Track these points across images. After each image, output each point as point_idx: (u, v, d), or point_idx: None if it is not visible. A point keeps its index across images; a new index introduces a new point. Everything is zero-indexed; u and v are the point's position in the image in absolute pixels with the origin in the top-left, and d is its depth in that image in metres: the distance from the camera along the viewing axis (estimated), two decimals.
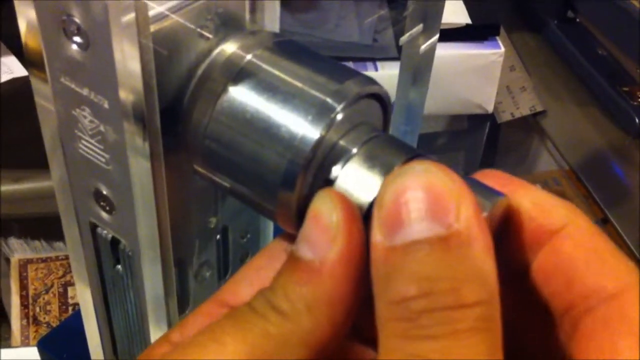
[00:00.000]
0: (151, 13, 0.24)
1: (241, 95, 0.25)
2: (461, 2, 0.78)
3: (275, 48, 0.26)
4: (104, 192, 0.28)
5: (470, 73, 0.77)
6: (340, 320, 0.21)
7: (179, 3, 0.25)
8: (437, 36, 0.43)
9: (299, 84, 0.25)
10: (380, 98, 0.26)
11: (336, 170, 0.24)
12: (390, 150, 0.24)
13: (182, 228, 0.30)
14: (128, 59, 0.23)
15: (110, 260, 0.31)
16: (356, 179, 0.24)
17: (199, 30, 0.25)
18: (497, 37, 0.78)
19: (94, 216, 0.30)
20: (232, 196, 0.27)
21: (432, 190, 0.20)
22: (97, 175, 0.28)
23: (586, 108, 0.86)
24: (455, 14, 0.76)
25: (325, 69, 0.25)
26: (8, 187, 0.81)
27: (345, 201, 0.22)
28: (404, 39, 0.41)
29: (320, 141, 0.24)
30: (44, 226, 0.78)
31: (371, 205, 0.23)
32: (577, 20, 0.92)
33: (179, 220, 0.29)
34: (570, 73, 0.89)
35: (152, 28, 0.24)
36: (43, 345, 0.52)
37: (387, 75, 0.70)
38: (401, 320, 0.19)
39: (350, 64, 0.69)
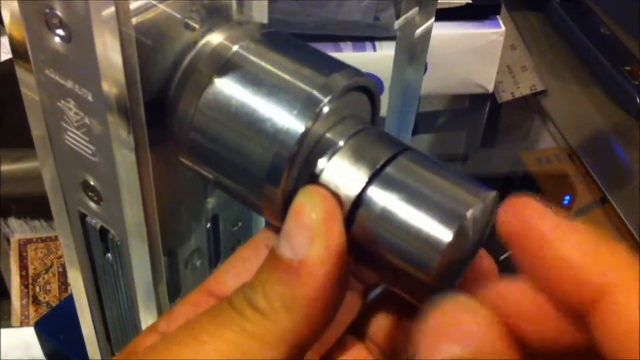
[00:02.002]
0: (136, 4, 0.24)
1: (227, 87, 0.25)
2: None
3: (262, 40, 0.26)
4: (92, 183, 0.28)
5: (471, 52, 0.76)
6: (319, 319, 0.21)
7: None
8: (432, 19, 0.43)
9: (285, 77, 0.24)
10: (368, 90, 0.26)
11: (322, 163, 0.24)
12: (378, 143, 0.24)
13: (171, 217, 0.30)
14: (110, 52, 0.23)
15: (100, 249, 0.31)
16: (342, 173, 0.23)
17: (184, 20, 0.25)
18: (498, 16, 0.77)
19: (83, 206, 0.30)
20: (218, 189, 0.27)
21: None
22: (84, 166, 0.28)
23: (587, 88, 0.86)
24: None
25: (312, 61, 0.25)
26: (8, 167, 0.81)
27: (327, 199, 0.22)
28: (399, 22, 0.41)
29: (305, 134, 0.23)
30: (43, 206, 0.78)
31: (357, 198, 0.23)
32: None
33: (167, 210, 0.29)
34: (572, 52, 0.88)
35: (137, 19, 0.24)
36: (40, 327, 0.52)
37: (385, 55, 0.69)
38: None
39: (349, 44, 0.69)
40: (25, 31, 0.25)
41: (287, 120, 0.23)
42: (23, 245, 0.78)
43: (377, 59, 0.69)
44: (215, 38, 0.26)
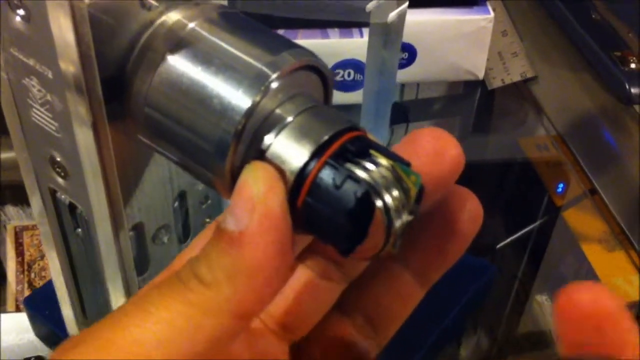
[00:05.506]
0: None
1: (179, 65, 0.25)
2: None
3: (217, 19, 0.27)
4: (58, 159, 0.29)
5: (460, 39, 0.77)
6: (261, 289, 0.22)
7: None
8: (406, 4, 0.43)
9: (236, 55, 0.25)
10: (321, 73, 0.27)
11: (269, 139, 0.24)
12: (325, 120, 0.25)
13: (135, 192, 0.31)
14: (65, 32, 0.24)
15: (71, 224, 0.32)
16: (288, 147, 0.24)
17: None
18: (487, 2, 0.77)
19: (52, 182, 0.31)
20: (175, 165, 0.28)
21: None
22: (50, 142, 0.29)
23: (578, 73, 0.86)
24: None
25: (264, 41, 0.26)
26: (6, 154, 0.82)
27: (269, 173, 0.23)
28: (370, 5, 0.42)
29: (252, 109, 0.24)
30: None
31: (301, 173, 0.24)
32: None
33: (131, 185, 0.30)
34: (563, 37, 0.89)
35: None
36: (27, 304, 0.54)
37: None
38: None
39: (335, 30, 0.69)
40: None
41: (235, 96, 0.24)
42: (19, 231, 0.80)
43: (364, 45, 0.70)
44: (172, 17, 0.27)
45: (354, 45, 0.69)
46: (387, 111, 0.49)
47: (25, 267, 0.76)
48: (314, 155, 0.24)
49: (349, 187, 0.23)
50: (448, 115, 0.93)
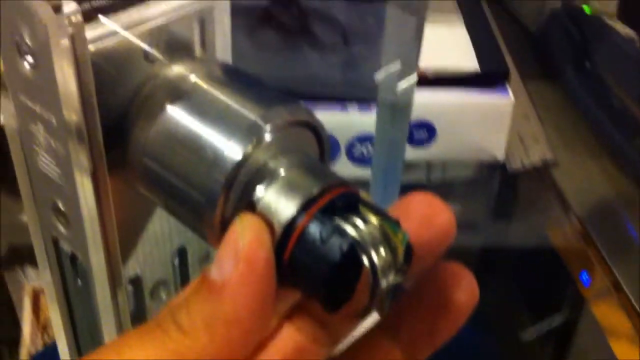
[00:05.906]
0: (96, 33, 0.26)
1: (177, 115, 0.26)
2: (470, 46, 0.78)
3: (219, 74, 0.28)
4: (60, 207, 0.30)
5: (479, 120, 0.77)
6: (238, 340, 0.22)
7: (126, 24, 0.27)
8: (415, 75, 0.44)
9: (231, 107, 0.26)
10: (314, 129, 0.27)
11: (260, 191, 0.25)
12: (316, 174, 0.25)
13: (134, 245, 0.31)
14: (69, 79, 0.25)
15: (71, 275, 0.33)
16: (278, 200, 0.25)
17: (144, 51, 0.27)
18: (508, 85, 0.78)
19: (55, 230, 0.31)
20: (173, 216, 0.28)
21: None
22: (54, 189, 0.29)
23: (599, 160, 0.86)
24: (463, 59, 0.76)
25: (262, 95, 0.27)
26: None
27: (257, 225, 0.23)
28: (379, 76, 0.42)
29: (244, 160, 0.25)
30: None
31: (289, 226, 0.24)
32: (594, 70, 0.91)
33: (131, 237, 0.31)
34: (584, 123, 0.89)
35: (95, 46, 0.26)
36: None
37: None
38: None
39: (354, 104, 0.70)
40: (2, 57, 0.27)
41: (227, 147, 0.25)
42: (37, 293, 0.80)
43: None
44: (174, 70, 0.28)
45: (373, 119, 0.70)
46: (395, 187, 0.49)
47: (41, 328, 0.77)
48: (303, 209, 0.24)
49: (335, 241, 0.23)
50: (469, 197, 0.93)
